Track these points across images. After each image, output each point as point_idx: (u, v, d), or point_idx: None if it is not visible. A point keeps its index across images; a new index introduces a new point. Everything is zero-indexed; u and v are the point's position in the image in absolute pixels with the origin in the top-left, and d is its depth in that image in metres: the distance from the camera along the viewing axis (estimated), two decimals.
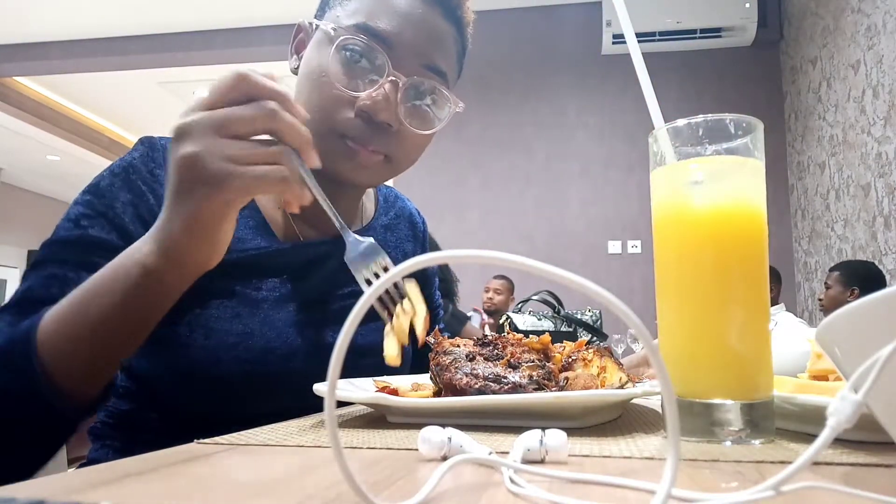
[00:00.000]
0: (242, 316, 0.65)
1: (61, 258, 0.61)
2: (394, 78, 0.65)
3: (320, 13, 0.72)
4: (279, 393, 0.65)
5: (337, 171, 0.68)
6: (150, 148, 0.69)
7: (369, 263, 0.60)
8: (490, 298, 3.87)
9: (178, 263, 0.51)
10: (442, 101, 0.71)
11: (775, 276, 3.39)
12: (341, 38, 0.64)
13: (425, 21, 0.68)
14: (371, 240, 0.60)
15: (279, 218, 0.74)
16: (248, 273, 0.68)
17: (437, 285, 1.00)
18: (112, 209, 0.64)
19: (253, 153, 0.48)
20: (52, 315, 0.52)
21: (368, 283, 0.59)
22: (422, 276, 0.94)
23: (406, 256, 0.89)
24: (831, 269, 3.00)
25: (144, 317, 0.54)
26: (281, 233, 0.73)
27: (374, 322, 0.80)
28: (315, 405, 0.51)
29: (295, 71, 0.74)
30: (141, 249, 0.52)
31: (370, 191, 0.90)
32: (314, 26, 0.70)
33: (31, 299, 0.59)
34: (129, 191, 0.65)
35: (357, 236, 0.60)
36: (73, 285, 0.58)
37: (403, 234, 0.91)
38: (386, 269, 0.59)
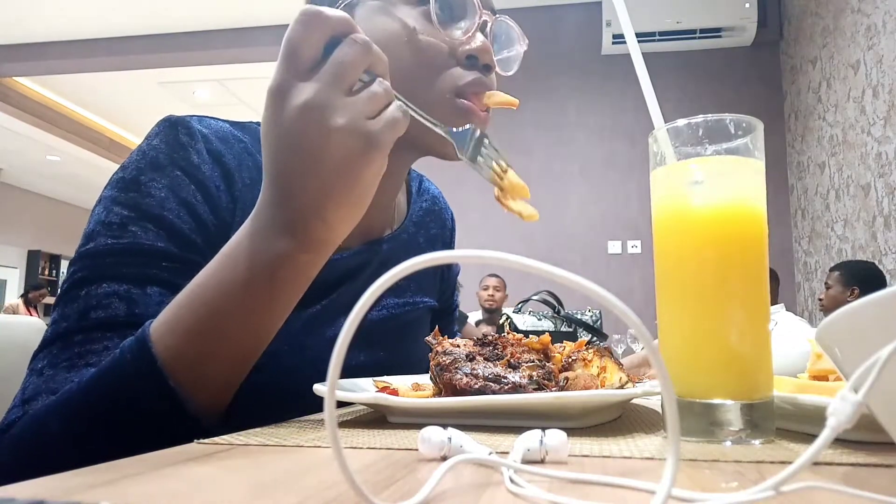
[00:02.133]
0: None
1: (117, 273, 0.53)
2: (486, 17, 0.62)
3: None
4: (304, 412, 0.59)
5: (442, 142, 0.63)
6: (188, 134, 0.60)
7: (486, 158, 0.54)
8: (491, 296, 3.88)
9: (330, 244, 0.47)
10: (513, 39, 0.68)
11: (772, 276, 3.39)
12: None
13: None
14: (469, 128, 0.54)
15: None
16: None
17: (457, 278, 0.97)
18: (164, 211, 0.56)
19: (381, 102, 0.44)
20: (168, 330, 0.46)
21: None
22: (447, 273, 0.90)
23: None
24: (832, 269, 3.00)
25: (286, 308, 0.49)
26: None
27: (419, 340, 0.77)
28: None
29: None
30: (271, 250, 0.45)
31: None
32: None
33: (97, 322, 0.51)
34: (178, 189, 0.57)
35: (450, 131, 0.53)
36: (140, 304, 0.52)
37: (434, 232, 0.85)
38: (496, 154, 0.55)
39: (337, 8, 0.62)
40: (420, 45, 0.60)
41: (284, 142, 0.44)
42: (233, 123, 0.67)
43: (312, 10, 0.42)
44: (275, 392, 0.56)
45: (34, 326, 0.92)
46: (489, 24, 0.63)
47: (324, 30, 0.43)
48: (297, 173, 0.44)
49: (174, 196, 0.57)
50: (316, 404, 0.55)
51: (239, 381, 0.50)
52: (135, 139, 6.93)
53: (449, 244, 0.89)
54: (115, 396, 0.46)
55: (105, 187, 0.59)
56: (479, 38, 0.61)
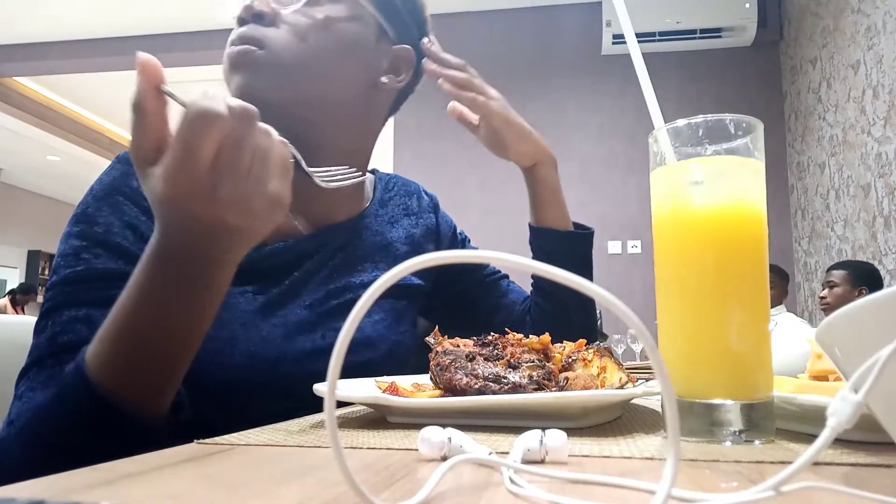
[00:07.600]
0: (225, 322, 0.62)
1: (76, 299, 0.58)
2: None
3: None
4: (268, 398, 0.63)
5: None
6: (128, 164, 0.66)
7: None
8: None
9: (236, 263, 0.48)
10: None
11: (781, 274, 3.34)
12: None
13: None
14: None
15: None
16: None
17: (467, 244, 1.00)
18: (110, 235, 0.61)
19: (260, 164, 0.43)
20: (96, 350, 0.48)
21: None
22: (441, 246, 0.92)
23: (405, 231, 0.86)
24: (835, 268, 2.95)
25: (207, 321, 0.49)
26: None
27: (369, 317, 0.79)
28: (309, 407, 0.51)
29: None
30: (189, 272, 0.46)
31: (370, 177, 0.88)
32: None
33: (63, 346, 0.55)
34: (121, 213, 0.62)
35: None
36: (100, 324, 0.53)
37: (402, 207, 0.88)
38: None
39: None
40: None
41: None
42: None
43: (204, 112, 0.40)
44: (236, 375, 0.61)
45: (29, 326, 0.91)
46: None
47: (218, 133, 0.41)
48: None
49: (118, 220, 0.62)
50: (279, 386, 0.61)
51: (172, 384, 0.50)
52: None
53: (431, 212, 0.92)
54: (62, 414, 0.48)
55: (67, 224, 0.64)
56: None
